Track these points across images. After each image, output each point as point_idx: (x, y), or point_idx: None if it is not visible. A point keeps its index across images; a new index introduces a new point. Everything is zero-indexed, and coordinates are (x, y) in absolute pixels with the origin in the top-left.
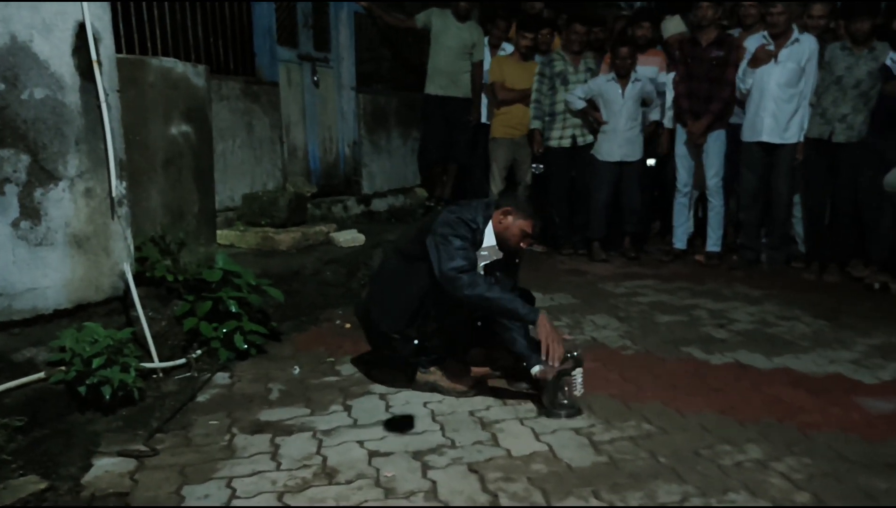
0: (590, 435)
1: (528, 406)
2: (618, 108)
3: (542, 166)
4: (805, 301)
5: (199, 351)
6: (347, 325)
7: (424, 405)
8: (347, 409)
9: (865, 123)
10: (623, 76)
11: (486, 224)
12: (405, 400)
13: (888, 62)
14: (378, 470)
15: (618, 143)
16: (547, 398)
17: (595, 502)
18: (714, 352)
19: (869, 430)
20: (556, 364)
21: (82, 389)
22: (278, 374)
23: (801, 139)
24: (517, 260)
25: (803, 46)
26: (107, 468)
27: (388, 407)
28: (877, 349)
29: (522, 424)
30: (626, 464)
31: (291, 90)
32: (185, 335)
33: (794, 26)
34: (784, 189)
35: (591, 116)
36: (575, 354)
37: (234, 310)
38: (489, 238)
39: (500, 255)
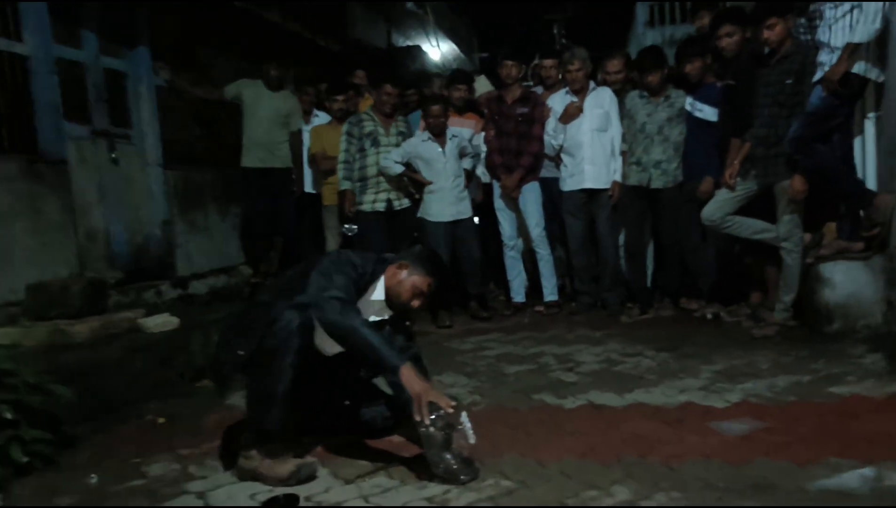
0: (444, 503)
1: (375, 482)
2: (440, 166)
3: (355, 227)
4: (645, 337)
5: None
6: (161, 420)
7: (251, 496)
8: None
9: (679, 168)
10: (439, 134)
11: (375, 277)
12: (228, 495)
13: (687, 107)
14: None
15: (448, 201)
16: (434, 460)
17: None
18: (566, 396)
19: (730, 454)
20: (427, 420)
21: None
22: (69, 486)
23: (617, 179)
24: (408, 322)
25: (602, 93)
26: None
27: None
28: (721, 374)
29: (367, 501)
30: None
31: (85, 169)
32: None
33: (591, 82)
34: (608, 231)
35: (409, 180)
36: (450, 409)
37: (9, 417)
38: (379, 293)
39: (388, 313)
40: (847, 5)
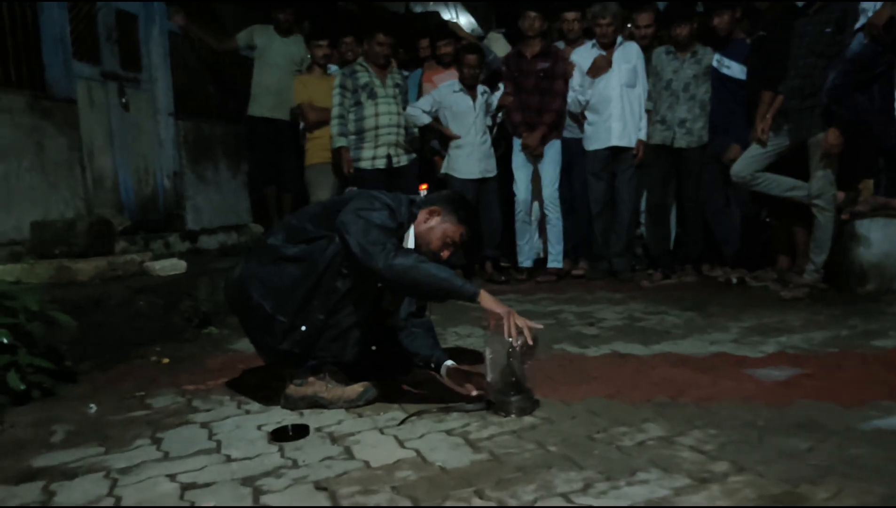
0: (465, 435)
1: (390, 415)
2: (470, 120)
3: (355, 189)
4: (668, 298)
5: None
6: (165, 360)
7: (259, 427)
8: (157, 442)
9: (705, 128)
10: (471, 86)
11: (409, 222)
12: (235, 425)
13: (714, 63)
14: (192, 503)
15: (476, 157)
16: (494, 391)
17: (479, 502)
18: (589, 346)
19: (769, 397)
20: (530, 341)
21: None
22: (68, 415)
23: (642, 138)
24: None
25: (629, 48)
26: None
27: (211, 435)
28: (752, 330)
29: (382, 433)
30: (511, 458)
31: (94, 111)
32: None
33: (619, 37)
34: (627, 192)
35: (436, 132)
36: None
37: (5, 341)
38: (409, 240)
39: None
40: None
